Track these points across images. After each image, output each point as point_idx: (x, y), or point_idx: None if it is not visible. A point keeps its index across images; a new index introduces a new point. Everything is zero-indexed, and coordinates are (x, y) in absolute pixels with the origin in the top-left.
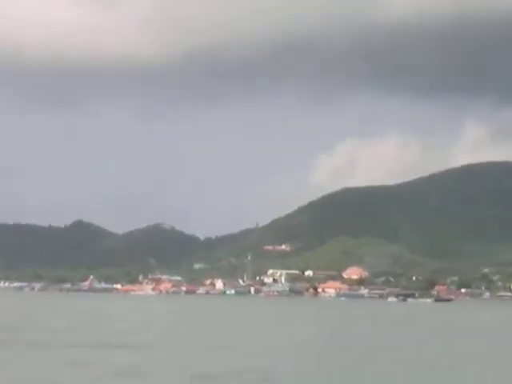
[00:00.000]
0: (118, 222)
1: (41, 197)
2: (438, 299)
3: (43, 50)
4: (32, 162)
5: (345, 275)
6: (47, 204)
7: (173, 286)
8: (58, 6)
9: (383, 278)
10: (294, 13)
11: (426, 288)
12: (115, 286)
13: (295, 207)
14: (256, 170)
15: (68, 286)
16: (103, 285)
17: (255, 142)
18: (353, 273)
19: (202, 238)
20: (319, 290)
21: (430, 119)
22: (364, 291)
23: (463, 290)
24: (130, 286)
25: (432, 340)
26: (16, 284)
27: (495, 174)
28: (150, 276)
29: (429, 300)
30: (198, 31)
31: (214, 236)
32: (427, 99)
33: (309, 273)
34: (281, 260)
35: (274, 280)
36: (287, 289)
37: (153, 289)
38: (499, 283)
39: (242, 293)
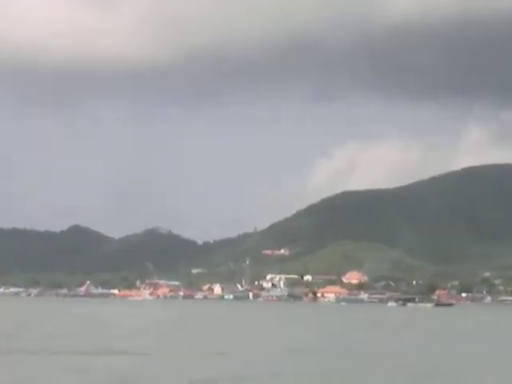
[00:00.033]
0: (115, 227)
1: (37, 201)
2: (439, 304)
3: (41, 51)
4: (28, 166)
5: (344, 280)
6: (43, 208)
7: (170, 291)
8: (56, 6)
9: (383, 283)
10: (297, 12)
11: (427, 292)
12: (112, 291)
13: (294, 211)
14: (255, 172)
15: (65, 291)
16: (100, 290)
17: (256, 142)
18: (352, 277)
19: (199, 242)
20: (318, 294)
21: (431, 121)
22: (364, 296)
23: (464, 295)
24: (127, 291)
25: (432, 345)
26: (12, 289)
27: (497, 176)
28: (147, 281)
29: (429, 305)
30: (198, 31)
31: (211, 240)
32: (429, 100)
33: (308, 277)
34: (279, 264)
35: (272, 285)
36: (286, 294)
37: (150, 294)
38: (501, 287)
39: (240, 298)
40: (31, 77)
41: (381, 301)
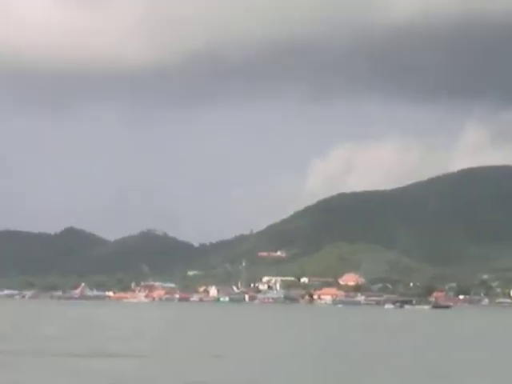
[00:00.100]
0: (110, 229)
1: (32, 203)
2: (436, 306)
3: (40, 53)
4: (23, 168)
5: (341, 282)
6: (38, 210)
7: (166, 294)
8: (56, 7)
9: (380, 285)
10: (293, 13)
11: (424, 295)
12: (107, 293)
13: (291, 212)
14: (251, 174)
15: (59, 293)
16: (95, 292)
17: (252, 144)
18: (349, 279)
19: (195, 244)
20: (315, 296)
21: (429, 122)
22: (361, 298)
23: (462, 297)
24: (122, 294)
25: (429, 347)
26: (6, 292)
27: (495, 177)
28: (142, 283)
29: (426, 307)
30: (194, 33)
31: (207, 242)
32: (428, 102)
33: (304, 279)
34: (276, 266)
35: (268, 287)
36: (282, 296)
37: (146, 296)
38: (498, 289)
39: (236, 300)
40: (31, 79)
41: (378, 303)
